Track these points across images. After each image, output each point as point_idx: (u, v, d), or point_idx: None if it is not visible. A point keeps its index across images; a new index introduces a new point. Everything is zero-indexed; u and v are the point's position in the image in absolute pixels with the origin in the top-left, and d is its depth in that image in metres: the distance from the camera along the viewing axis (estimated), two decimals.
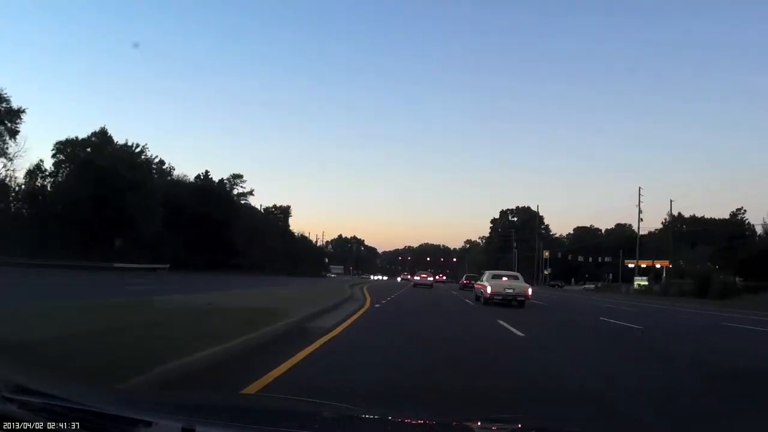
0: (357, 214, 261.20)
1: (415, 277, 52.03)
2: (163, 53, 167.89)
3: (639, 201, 67.73)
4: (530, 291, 21.18)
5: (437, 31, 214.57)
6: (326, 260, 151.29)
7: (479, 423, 2.72)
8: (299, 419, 2.43)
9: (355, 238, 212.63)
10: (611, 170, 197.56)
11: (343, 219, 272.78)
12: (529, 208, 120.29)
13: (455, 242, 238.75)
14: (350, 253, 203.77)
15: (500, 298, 20.28)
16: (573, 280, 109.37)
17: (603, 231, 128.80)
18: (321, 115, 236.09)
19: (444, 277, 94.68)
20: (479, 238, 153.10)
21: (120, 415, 1.93)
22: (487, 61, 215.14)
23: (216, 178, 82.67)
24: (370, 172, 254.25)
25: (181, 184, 61.32)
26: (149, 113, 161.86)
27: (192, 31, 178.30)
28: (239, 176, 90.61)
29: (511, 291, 20.37)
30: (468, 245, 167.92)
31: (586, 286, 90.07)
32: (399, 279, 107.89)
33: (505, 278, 21.75)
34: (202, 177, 69.07)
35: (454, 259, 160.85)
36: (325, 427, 2.34)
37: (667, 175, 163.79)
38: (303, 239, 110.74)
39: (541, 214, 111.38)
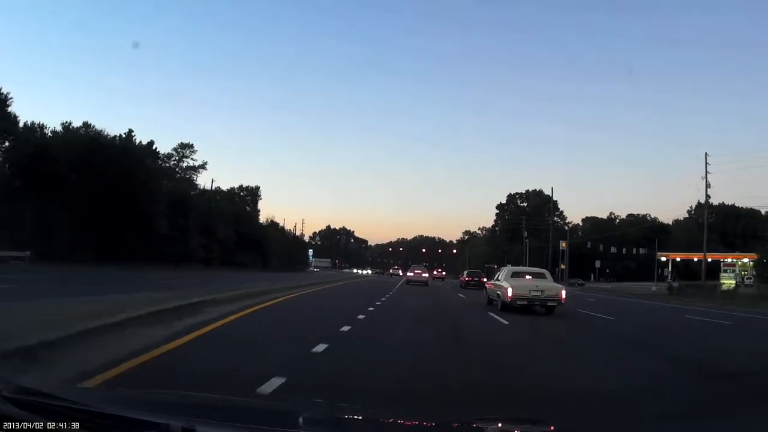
0: (346, 204, 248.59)
1: (408, 273, 45.10)
2: (160, 51, 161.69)
3: (706, 172, 50.90)
4: (564, 293, 16.64)
5: (432, 23, 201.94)
6: (310, 252, 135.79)
7: (500, 424, 2.67)
8: (298, 419, 2.40)
9: (344, 229, 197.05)
10: (618, 162, 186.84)
11: (331, 209, 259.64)
12: (541, 191, 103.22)
13: (452, 235, 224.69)
14: (338, 245, 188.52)
15: (525, 302, 16.03)
16: (593, 276, 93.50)
17: (617, 222, 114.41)
18: (308, 102, 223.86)
19: (443, 273, 76.83)
20: (479, 228, 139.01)
21: (120, 415, 1.90)
22: (484, 48, 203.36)
23: (163, 149, 64.84)
24: (361, 161, 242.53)
25: (67, 139, 42.13)
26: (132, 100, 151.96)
27: (189, 29, 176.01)
28: (189, 146, 72.37)
29: (539, 293, 16.13)
30: (467, 236, 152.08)
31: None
32: (389, 273, 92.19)
33: (528, 276, 17.98)
34: (123, 137, 50.87)
35: (454, 251, 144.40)
36: (324, 427, 2.35)
37: (668, 171, 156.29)
38: (274, 226, 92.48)
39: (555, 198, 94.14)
